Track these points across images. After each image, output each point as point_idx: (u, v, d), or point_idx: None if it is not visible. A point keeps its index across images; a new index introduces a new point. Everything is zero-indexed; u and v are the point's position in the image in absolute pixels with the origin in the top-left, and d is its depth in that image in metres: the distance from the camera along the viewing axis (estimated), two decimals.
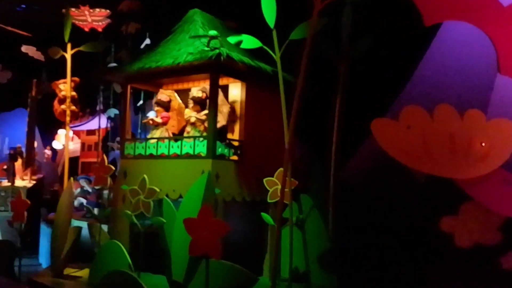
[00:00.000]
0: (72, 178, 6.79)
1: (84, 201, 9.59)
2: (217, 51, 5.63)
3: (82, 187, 9.76)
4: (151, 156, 6.45)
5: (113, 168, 6.47)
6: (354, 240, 6.48)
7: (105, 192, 9.39)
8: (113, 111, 10.23)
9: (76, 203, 9.76)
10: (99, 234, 6.64)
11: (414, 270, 5.98)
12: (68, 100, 6.98)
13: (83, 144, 12.40)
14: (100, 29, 9.32)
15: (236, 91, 6.52)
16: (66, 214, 6.56)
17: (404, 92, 6.65)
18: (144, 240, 5.54)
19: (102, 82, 7.93)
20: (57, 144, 14.48)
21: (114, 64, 9.69)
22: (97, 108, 11.72)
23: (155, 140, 6.45)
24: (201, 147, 6.00)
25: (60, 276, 6.61)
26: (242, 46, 5.80)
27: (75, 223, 8.10)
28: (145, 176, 5.48)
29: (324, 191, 6.68)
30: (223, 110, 6.36)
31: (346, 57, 6.35)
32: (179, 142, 6.20)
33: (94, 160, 12.12)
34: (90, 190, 9.28)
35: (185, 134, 6.39)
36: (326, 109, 6.58)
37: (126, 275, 5.32)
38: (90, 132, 12.30)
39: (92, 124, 12.06)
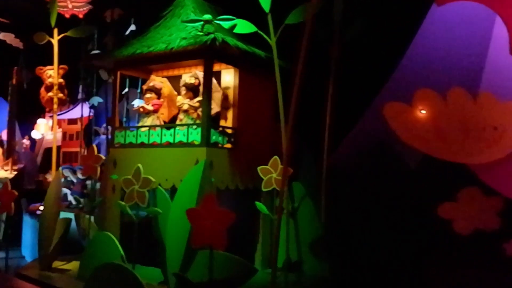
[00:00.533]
0: (60, 168, 6.53)
1: (68, 191, 9.30)
2: (212, 35, 5.43)
3: (65, 177, 9.46)
4: (142, 144, 6.23)
5: (103, 157, 6.25)
6: (346, 228, 6.39)
7: (89, 182, 9.16)
8: (96, 99, 9.96)
9: None
10: (89, 225, 6.41)
11: (409, 257, 5.92)
12: (55, 87, 6.71)
13: (64, 134, 12.04)
14: (81, 16, 9.06)
15: (228, 77, 6.34)
16: (54, 205, 6.32)
17: (396, 73, 6.57)
18: (136, 231, 5.34)
19: (89, 68, 7.64)
20: (36, 133, 14.05)
21: (97, 51, 9.41)
22: (79, 96, 11.42)
23: (147, 128, 6.23)
24: (195, 135, 5.81)
25: (49, 269, 6.37)
26: (236, 30, 5.65)
27: (60, 214, 7.87)
28: (140, 165, 5.27)
29: (316, 178, 6.58)
30: (216, 96, 6.18)
31: (338, 40, 6.23)
32: (172, 130, 5.99)
33: (76, 149, 11.85)
34: (74, 180, 9.00)
35: (177, 122, 6.19)
36: (317, 94, 6.46)
37: (119, 268, 5.11)
38: (71, 121, 11.95)
39: (74, 113, 11.72)
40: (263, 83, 6.53)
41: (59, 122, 12.48)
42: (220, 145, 5.97)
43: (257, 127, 6.44)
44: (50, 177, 12.79)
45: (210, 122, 5.80)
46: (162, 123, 6.43)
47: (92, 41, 10.10)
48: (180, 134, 5.92)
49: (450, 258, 5.38)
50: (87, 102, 11.02)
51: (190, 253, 5.17)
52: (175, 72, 6.75)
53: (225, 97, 6.26)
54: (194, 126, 5.85)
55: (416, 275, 5.81)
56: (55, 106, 6.75)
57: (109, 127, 9.91)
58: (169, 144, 6.03)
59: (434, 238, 5.77)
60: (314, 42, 5.90)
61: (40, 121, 14.05)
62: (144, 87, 6.47)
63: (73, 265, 6.61)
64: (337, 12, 6.15)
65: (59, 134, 13.37)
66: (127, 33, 8.83)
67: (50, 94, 6.78)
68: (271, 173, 5.82)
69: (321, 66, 6.23)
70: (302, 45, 4.77)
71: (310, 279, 5.96)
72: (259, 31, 5.49)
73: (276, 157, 5.83)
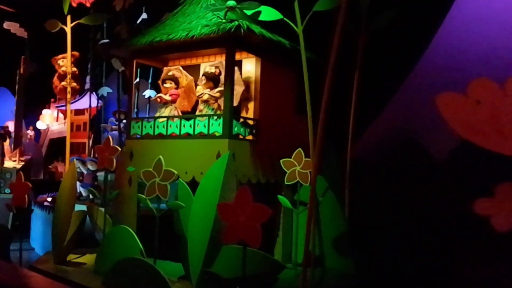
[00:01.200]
0: (75, 160, 6.28)
1: (77, 183, 9.05)
2: (236, 23, 5.17)
3: None
4: (160, 136, 6.00)
5: (119, 149, 6.01)
6: (371, 223, 6.17)
7: (100, 174, 8.91)
8: (105, 90, 9.65)
9: None
10: (104, 219, 6.17)
11: (437, 253, 5.72)
12: (69, 76, 6.45)
13: (71, 124, 11.76)
14: (88, 4, 8.76)
15: (249, 66, 6.09)
16: (70, 197, 6.07)
17: (421, 64, 6.37)
18: (157, 225, 5.10)
19: (103, 57, 7.36)
20: (41, 124, 13.81)
21: (106, 41, 9.14)
22: (86, 86, 11.14)
23: (165, 119, 5.99)
24: (216, 126, 5.57)
25: (63, 263, 6.15)
26: (261, 18, 5.38)
27: None
28: (161, 157, 5.02)
29: (339, 171, 6.35)
30: (237, 87, 5.93)
31: (364, 32, 5.98)
32: (191, 121, 5.75)
33: (84, 140, 11.58)
34: (84, 171, 8.74)
35: (197, 113, 5.94)
36: (340, 85, 6.24)
37: (141, 262, 4.91)
38: (78, 112, 11.66)
39: (81, 103, 11.44)
40: (284, 74, 6.29)
41: (65, 113, 12.23)
42: (241, 137, 5.73)
43: (278, 118, 6.20)
44: (61, 167, 12.61)
45: (232, 113, 5.56)
46: (180, 114, 6.18)
47: (101, 30, 9.82)
48: (200, 125, 5.68)
49: (483, 254, 5.18)
50: (97, 92, 10.74)
51: (214, 248, 4.95)
52: (193, 62, 6.51)
53: (246, 87, 6.01)
54: (215, 117, 5.60)
55: (444, 271, 5.61)
56: (69, 95, 6.49)
57: (116, 120, 9.68)
58: (188, 136, 5.79)
59: (464, 233, 5.58)
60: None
61: (45, 112, 13.80)
62: (162, 76, 6.21)
63: (88, 259, 6.39)
64: (365, 2, 5.88)
65: (63, 125, 13.15)
66: (138, 21, 8.54)
67: (63, 83, 6.51)
68: (294, 166, 5.60)
69: (345, 57, 5.99)
70: (336, 33, 4.52)
71: (334, 275, 5.74)
72: (285, 19, 5.23)
73: (300, 149, 5.62)
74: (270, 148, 6.02)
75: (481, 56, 5.94)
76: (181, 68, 6.26)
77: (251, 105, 6.04)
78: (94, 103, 10.94)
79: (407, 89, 6.48)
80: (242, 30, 5.14)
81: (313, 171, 5.06)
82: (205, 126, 5.64)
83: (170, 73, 6.18)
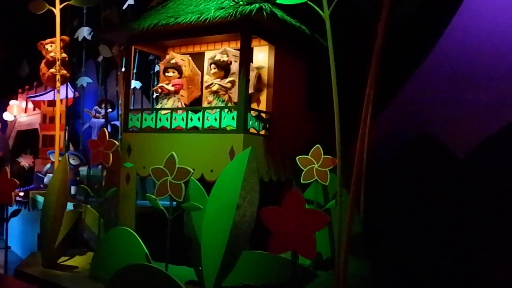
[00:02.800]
0: (67, 154, 5.57)
1: None
2: (257, 5, 4.60)
3: (53, 163, 8.43)
4: (163, 129, 5.37)
5: (117, 142, 5.35)
6: (387, 223, 5.74)
7: (82, 169, 8.18)
8: (85, 80, 8.91)
9: (46, 180, 8.50)
10: (100, 219, 5.51)
11: (458, 254, 5.34)
12: (58, 63, 5.71)
13: (44, 116, 10.90)
14: None
15: (262, 55, 5.53)
16: (61, 194, 5.36)
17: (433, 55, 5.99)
18: (168, 228, 4.49)
19: (103, 41, 6.63)
20: (8, 115, 12.86)
21: (87, 28, 8.37)
22: None
23: (168, 111, 5.37)
24: (229, 120, 5.00)
25: (52, 267, 5.45)
26: (281, 1, 4.81)
27: None
28: (174, 153, 4.40)
29: (346, 168, 5.89)
30: (251, 75, 5.37)
31: (387, 17, 5.50)
32: (200, 114, 5.16)
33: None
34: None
35: (205, 104, 5.35)
36: (355, 76, 5.80)
37: (152, 270, 4.28)
38: (52, 103, 10.81)
39: (53, 94, 10.59)
40: (296, 64, 5.76)
41: (38, 104, 11.34)
42: (255, 132, 5.17)
43: (290, 112, 5.67)
44: (23, 161, 11.71)
45: (247, 105, 5.00)
46: (184, 106, 5.57)
47: (79, 17, 9.04)
48: (211, 118, 5.09)
49: (504, 254, 4.84)
50: (76, 82, 9.92)
51: (232, 254, 4.39)
52: (196, 49, 5.90)
53: (258, 78, 5.45)
54: (226, 110, 5.03)
55: (465, 272, 5.24)
56: (58, 84, 5.75)
57: (101, 110, 8.98)
58: (196, 130, 5.19)
59: (485, 233, 5.23)
60: (358, 18, 5.27)
61: (12, 103, 12.88)
62: (163, 64, 5.58)
63: (78, 262, 5.72)
64: None
65: (34, 116, 12.25)
66: (124, 7, 7.83)
67: (52, 70, 5.77)
68: (312, 163, 5.10)
69: (363, 44, 5.52)
70: (380, 24, 4.03)
71: (349, 279, 5.27)
72: (309, 2, 4.68)
73: (318, 146, 5.12)
74: (280, 144, 5.50)
75: (494, 46, 5.62)
76: (186, 56, 5.63)
77: (262, 97, 5.49)
78: (69, 93, 10.14)
79: (418, 79, 6.08)
80: (265, 13, 4.58)
81: (356, 170, 4.53)
82: (216, 120, 5.06)
83: (172, 61, 5.55)
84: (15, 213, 5.30)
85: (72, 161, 7.80)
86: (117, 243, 4.92)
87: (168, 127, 5.32)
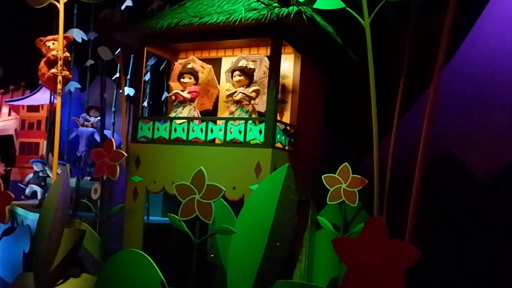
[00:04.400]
0: (68, 165, 4.87)
1: (38, 189, 7.49)
2: (295, 7, 4.09)
3: (36, 172, 7.64)
4: (178, 141, 4.77)
5: (125, 153, 4.71)
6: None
7: (71, 180, 7.41)
8: (73, 85, 8.13)
9: (27, 191, 7.67)
10: (104, 238, 4.83)
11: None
12: (60, 63, 5.03)
13: (23, 121, 10.04)
14: None
15: (286, 64, 5.01)
16: (60, 210, 4.65)
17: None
18: (194, 254, 3.87)
19: (112, 42, 5.92)
20: None
21: (77, 30, 7.67)
22: None
23: (184, 120, 4.78)
24: (256, 133, 4.44)
25: None
26: (318, 5, 4.31)
27: (30, 215, 6.21)
28: (202, 168, 3.80)
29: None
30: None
31: (413, 33, 5.09)
32: (221, 125, 4.58)
33: (37, 140, 9.92)
34: (51, 175, 7.22)
35: (226, 115, 4.78)
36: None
37: None
38: (32, 108, 9.96)
39: (34, 99, 9.78)
40: (318, 75, 5.27)
41: (16, 108, 10.47)
42: (283, 147, 4.64)
43: (311, 126, 5.17)
44: None
45: (276, 117, 4.46)
46: (199, 115, 4.99)
47: (69, 17, 8.32)
48: (234, 130, 4.52)
49: None
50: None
51: (264, 282, 3.83)
52: (212, 55, 5.33)
53: (282, 88, 4.93)
54: (250, 121, 4.48)
55: None
56: (60, 86, 5.06)
57: (91, 117, 8.22)
58: (217, 143, 4.62)
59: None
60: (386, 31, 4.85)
61: None
62: (180, 69, 4.98)
63: (75, 284, 4.99)
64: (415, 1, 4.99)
65: (9, 122, 11.34)
66: (122, 8, 7.19)
67: (53, 70, 5.08)
68: (339, 183, 4.61)
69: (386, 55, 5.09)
70: (444, 30, 3.59)
71: None
72: (348, 8, 4.20)
73: (346, 164, 4.65)
74: (302, 160, 4.97)
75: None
76: (211, 68, 5.07)
77: (286, 109, 4.97)
78: (48, 99, 9.33)
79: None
80: (305, 17, 4.06)
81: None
82: (240, 132, 4.49)
83: (189, 66, 4.97)
84: (8, 232, 4.56)
85: (59, 171, 7.02)
86: (126, 267, 4.23)
87: (185, 138, 4.72)
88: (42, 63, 5.19)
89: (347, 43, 4.91)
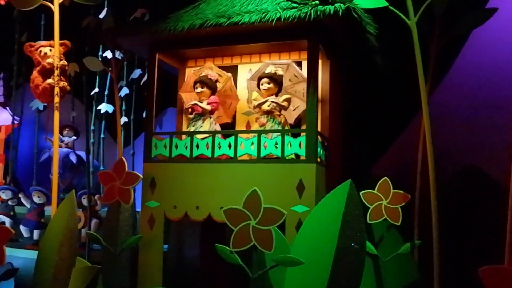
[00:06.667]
0: (73, 191, 4.03)
1: (7, 219, 6.45)
2: (342, 5, 3.56)
3: (3, 201, 6.60)
4: (201, 158, 4.09)
5: (140, 175, 3.97)
6: (453, 268, 4.79)
7: (48, 208, 6.46)
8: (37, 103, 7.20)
9: None
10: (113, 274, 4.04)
11: None
12: (56, 72, 4.22)
13: None
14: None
15: None
16: (65, 246, 3.81)
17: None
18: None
19: (116, 48, 5.06)
20: None
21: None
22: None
23: (207, 135, 4.11)
24: (296, 147, 3.85)
25: None
26: (362, 4, 3.81)
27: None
28: (256, 189, 3.16)
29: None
30: (305, 88, 4.30)
31: (438, 37, 4.71)
32: (254, 139, 3.96)
33: None
34: (27, 205, 6.25)
35: (256, 127, 4.14)
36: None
37: None
38: None
39: None
40: (342, 81, 4.76)
41: None
42: (321, 161, 4.07)
43: (338, 136, 4.64)
44: None
45: (317, 128, 3.89)
46: (219, 129, 4.34)
47: (30, 30, 7.46)
48: (269, 145, 3.91)
49: None
50: (8, 108, 8.11)
51: None
52: (226, 62, 4.69)
53: None
54: (289, 134, 3.89)
55: None
56: (57, 99, 4.24)
57: (63, 137, 7.26)
58: (248, 159, 3.99)
59: None
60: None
61: None
62: (191, 78, 4.32)
63: None
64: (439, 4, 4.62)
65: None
66: (101, 16, 6.41)
67: (49, 81, 4.26)
68: (380, 199, 4.07)
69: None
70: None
71: None
72: (391, 7, 3.73)
73: (386, 178, 4.09)
74: (332, 174, 4.43)
75: None
76: (231, 77, 4.45)
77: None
78: (8, 119, 8.28)
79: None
80: (357, 16, 3.54)
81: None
82: (277, 146, 3.89)
83: (203, 74, 4.32)
84: (9, 275, 3.68)
85: (36, 199, 6.09)
86: None
87: (210, 155, 4.05)
88: (35, 73, 4.36)
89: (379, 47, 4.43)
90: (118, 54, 5.97)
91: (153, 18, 4.26)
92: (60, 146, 7.07)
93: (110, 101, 6.99)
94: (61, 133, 7.27)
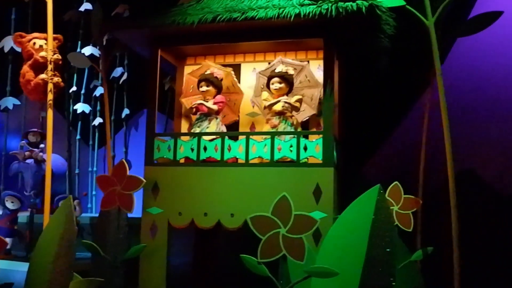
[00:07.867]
0: (71, 196, 3.63)
1: None
2: (365, 2, 3.37)
3: None
4: (209, 161, 3.80)
5: (143, 180, 3.64)
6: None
7: (22, 214, 5.91)
8: (11, 101, 6.62)
9: None
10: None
11: None
12: (50, 67, 3.81)
13: None
14: None
15: (319, 71, 4.25)
16: (64, 257, 3.42)
17: None
18: None
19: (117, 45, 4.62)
20: None
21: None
22: None
23: (214, 136, 3.83)
24: (312, 150, 3.63)
25: None
26: (383, 2, 3.64)
27: None
28: (286, 194, 2.91)
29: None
30: (314, 93, 4.10)
31: (442, 39, 4.62)
32: (267, 141, 3.71)
33: None
34: (0, 211, 5.69)
35: (267, 128, 3.88)
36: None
37: None
38: None
39: None
40: (345, 82, 4.59)
41: None
42: (335, 164, 3.85)
43: (342, 137, 4.46)
44: None
45: (333, 130, 3.69)
46: (225, 129, 4.06)
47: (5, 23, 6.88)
48: (283, 147, 3.67)
49: None
50: None
51: None
52: (228, 60, 4.40)
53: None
54: (303, 136, 3.67)
55: None
56: (50, 96, 3.82)
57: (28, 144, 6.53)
58: (259, 162, 3.74)
59: None
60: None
61: None
62: (190, 83, 4.03)
63: None
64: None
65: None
66: (82, 9, 5.99)
67: (42, 76, 3.85)
68: (391, 205, 3.90)
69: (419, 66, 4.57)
70: None
71: None
72: (408, 7, 3.59)
73: (396, 183, 3.93)
74: (339, 178, 4.23)
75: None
76: (232, 72, 4.16)
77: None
78: None
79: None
80: (379, 13, 3.37)
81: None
82: (291, 149, 3.65)
83: (207, 72, 4.04)
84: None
85: (10, 205, 5.56)
86: None
87: (219, 158, 3.76)
88: (26, 67, 3.94)
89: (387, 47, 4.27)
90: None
91: (152, 12, 3.90)
92: (28, 157, 6.32)
93: (87, 100, 6.56)
94: (26, 138, 6.58)
